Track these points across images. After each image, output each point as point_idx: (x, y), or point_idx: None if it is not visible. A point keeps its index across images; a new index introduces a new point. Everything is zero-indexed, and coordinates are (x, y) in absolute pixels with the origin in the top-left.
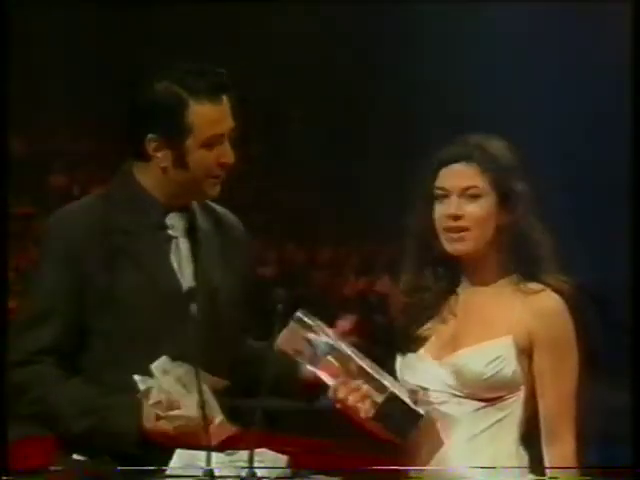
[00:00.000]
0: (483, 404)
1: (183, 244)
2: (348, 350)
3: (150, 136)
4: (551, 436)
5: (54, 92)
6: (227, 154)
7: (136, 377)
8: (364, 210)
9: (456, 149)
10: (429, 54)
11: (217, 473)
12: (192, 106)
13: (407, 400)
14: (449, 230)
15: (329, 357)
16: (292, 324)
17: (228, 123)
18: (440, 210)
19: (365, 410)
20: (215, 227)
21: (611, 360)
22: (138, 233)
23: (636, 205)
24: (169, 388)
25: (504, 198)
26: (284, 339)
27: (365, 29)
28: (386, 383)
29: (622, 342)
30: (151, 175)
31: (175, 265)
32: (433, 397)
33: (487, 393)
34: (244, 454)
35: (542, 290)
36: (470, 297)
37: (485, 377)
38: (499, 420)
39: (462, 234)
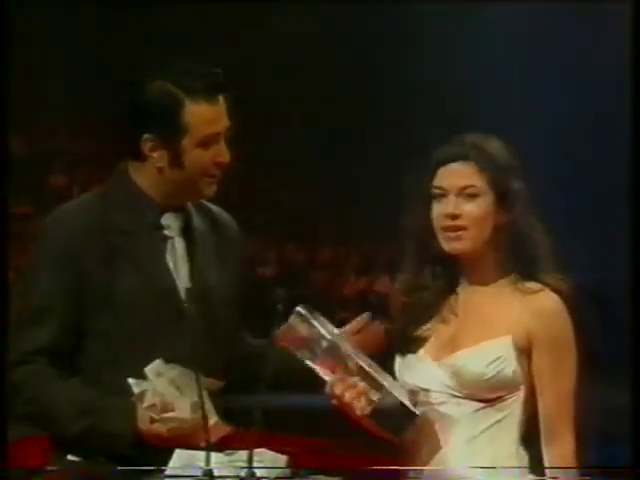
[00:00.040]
0: (482, 405)
1: (179, 244)
2: (347, 347)
3: (146, 136)
4: (550, 436)
5: (54, 92)
6: (223, 153)
7: (130, 380)
8: (364, 210)
9: (453, 148)
10: (429, 54)
11: (216, 473)
12: (188, 106)
13: (403, 399)
14: (447, 229)
15: (328, 353)
16: (293, 318)
17: (224, 123)
18: (438, 209)
19: (361, 407)
20: (210, 227)
21: (611, 360)
22: (134, 233)
23: (636, 205)
24: (163, 391)
25: (502, 197)
26: (284, 332)
27: (365, 29)
28: (383, 382)
29: (622, 342)
30: (147, 175)
31: (171, 265)
32: (432, 398)
33: (487, 393)
34: (243, 454)
35: (540, 290)
36: (469, 297)
37: (486, 378)
38: (499, 420)
39: (460, 233)
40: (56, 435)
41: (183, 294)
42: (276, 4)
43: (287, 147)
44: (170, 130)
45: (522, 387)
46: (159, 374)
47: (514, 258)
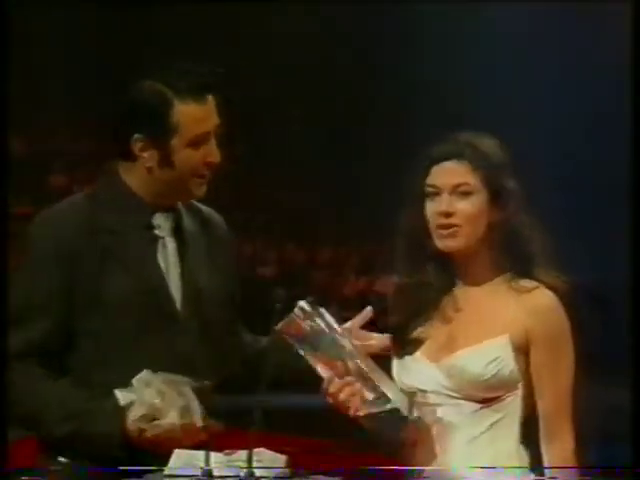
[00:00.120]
0: (481, 405)
1: (169, 244)
2: (348, 345)
3: (136, 136)
4: (550, 434)
5: (54, 92)
6: (213, 153)
7: (117, 392)
8: (364, 210)
9: (447, 147)
10: (429, 54)
11: (216, 473)
12: (177, 105)
13: (398, 404)
14: (440, 227)
15: (328, 349)
16: (295, 311)
17: (214, 122)
18: (431, 207)
19: (354, 407)
20: (201, 227)
21: (611, 360)
22: (124, 233)
23: (636, 205)
24: (150, 400)
25: (495, 195)
26: (286, 325)
27: (365, 29)
28: (378, 383)
29: (622, 342)
30: (137, 175)
31: (162, 265)
32: (431, 399)
33: (485, 393)
34: (243, 454)
35: (536, 287)
36: (464, 296)
37: (484, 378)
38: (498, 420)
39: (453, 230)
40: (44, 437)
41: (174, 294)
42: (276, 4)
43: (287, 147)
44: (160, 130)
45: (520, 386)
46: (146, 384)
47: (508, 256)
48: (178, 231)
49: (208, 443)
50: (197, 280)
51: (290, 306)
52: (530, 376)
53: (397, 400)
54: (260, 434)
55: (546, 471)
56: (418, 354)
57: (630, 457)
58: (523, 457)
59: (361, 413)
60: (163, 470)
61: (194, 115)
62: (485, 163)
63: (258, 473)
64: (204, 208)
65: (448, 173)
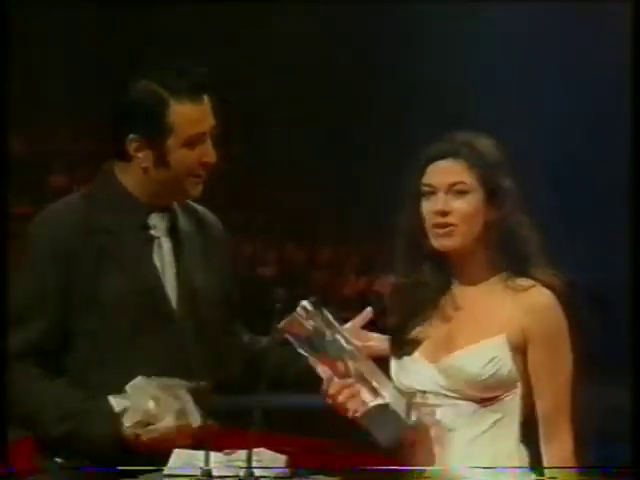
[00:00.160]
0: (480, 405)
1: (165, 244)
2: (349, 347)
3: (131, 136)
4: (549, 434)
5: (54, 92)
6: (209, 153)
7: (111, 399)
8: (364, 210)
9: (443, 146)
10: (429, 54)
11: (215, 473)
12: (173, 106)
13: (396, 408)
14: (436, 226)
15: (329, 349)
16: (298, 310)
17: (209, 122)
18: (427, 206)
19: (353, 410)
20: (196, 227)
21: (611, 360)
22: (120, 233)
23: (636, 205)
24: (144, 406)
25: (491, 194)
26: (288, 324)
27: (365, 29)
28: (377, 386)
29: (622, 342)
30: (132, 175)
31: (158, 265)
32: (430, 400)
33: (484, 393)
34: (242, 454)
35: (532, 286)
36: (461, 296)
37: (482, 378)
38: (498, 420)
39: (449, 229)
40: (40, 437)
41: (170, 294)
42: (276, 4)
43: (287, 147)
44: (155, 130)
45: (519, 385)
46: (140, 390)
47: (505, 255)
48: (174, 231)
49: (207, 443)
50: (193, 280)
51: (290, 306)
52: (528, 375)
53: (396, 402)
54: (260, 434)
55: (546, 471)
56: (416, 354)
57: (630, 457)
58: (523, 457)
59: (359, 415)
60: (162, 470)
61: (190, 115)
62: (481, 162)
63: (258, 473)
64: (200, 208)
65: (444, 172)
